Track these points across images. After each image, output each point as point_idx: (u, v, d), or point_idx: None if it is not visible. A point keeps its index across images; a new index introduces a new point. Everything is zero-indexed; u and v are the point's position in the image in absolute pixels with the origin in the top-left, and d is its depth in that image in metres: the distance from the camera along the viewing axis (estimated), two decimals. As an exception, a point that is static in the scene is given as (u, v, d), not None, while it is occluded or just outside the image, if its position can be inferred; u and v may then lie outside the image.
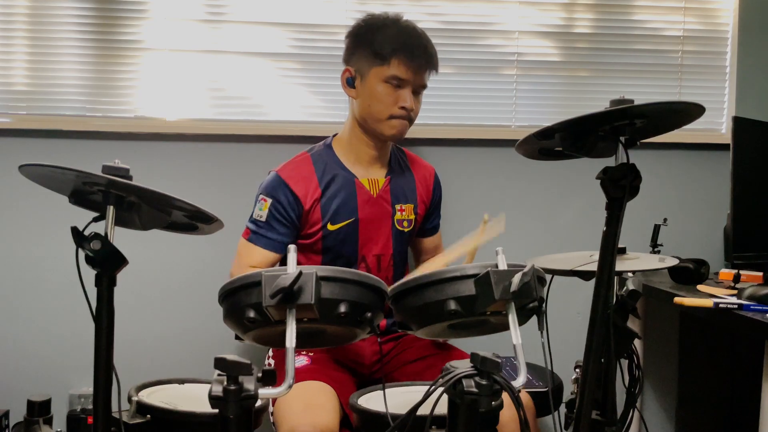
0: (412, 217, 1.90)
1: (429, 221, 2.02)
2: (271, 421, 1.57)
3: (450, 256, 1.70)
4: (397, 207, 1.87)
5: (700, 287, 1.92)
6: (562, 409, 1.65)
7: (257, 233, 1.78)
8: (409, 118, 1.80)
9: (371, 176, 1.86)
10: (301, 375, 1.58)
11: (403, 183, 1.91)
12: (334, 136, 1.92)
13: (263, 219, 1.77)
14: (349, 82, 1.82)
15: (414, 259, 2.12)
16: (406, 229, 1.89)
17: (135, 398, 1.35)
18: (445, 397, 1.03)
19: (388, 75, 1.76)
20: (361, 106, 1.80)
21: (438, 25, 2.31)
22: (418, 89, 1.81)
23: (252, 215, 1.80)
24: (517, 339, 1.09)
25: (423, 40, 1.81)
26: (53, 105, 2.22)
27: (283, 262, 1.75)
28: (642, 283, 2.03)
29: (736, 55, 2.40)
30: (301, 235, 1.82)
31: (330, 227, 1.80)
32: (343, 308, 1.09)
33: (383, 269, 1.85)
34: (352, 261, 1.83)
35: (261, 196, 1.80)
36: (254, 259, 1.77)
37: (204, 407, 1.11)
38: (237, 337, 1.20)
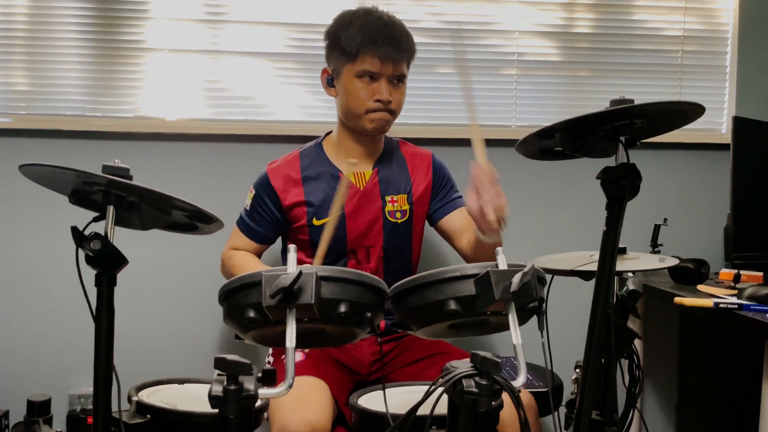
0: (406, 207, 1.87)
1: (440, 200, 1.93)
2: (266, 416, 1.57)
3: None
4: (388, 198, 1.86)
5: (700, 287, 1.93)
6: (562, 409, 1.65)
7: (243, 220, 1.90)
8: (389, 110, 1.78)
9: (357, 170, 1.86)
10: (295, 370, 1.58)
11: (395, 174, 1.89)
12: (328, 133, 1.94)
13: (248, 208, 1.89)
14: (329, 82, 1.85)
15: (455, 245, 1.92)
16: (399, 221, 1.87)
17: (135, 398, 1.35)
18: (445, 397, 1.03)
19: (358, 70, 1.76)
20: (340, 104, 1.83)
21: (438, 25, 2.31)
22: (394, 79, 1.79)
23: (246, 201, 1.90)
24: (517, 339, 1.09)
25: (389, 29, 1.77)
26: (53, 105, 2.22)
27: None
28: (642, 283, 2.04)
29: (736, 55, 2.40)
30: (288, 231, 1.88)
31: (315, 222, 1.82)
32: (343, 308, 1.08)
33: (373, 261, 1.84)
34: (341, 254, 1.83)
35: (251, 187, 1.89)
36: (238, 243, 1.91)
37: (204, 407, 1.11)
38: (237, 337, 1.20)
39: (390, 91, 1.77)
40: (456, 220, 1.90)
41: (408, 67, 1.84)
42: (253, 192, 1.87)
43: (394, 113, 1.81)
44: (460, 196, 1.94)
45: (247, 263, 1.84)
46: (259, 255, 1.92)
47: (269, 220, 1.86)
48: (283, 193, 1.83)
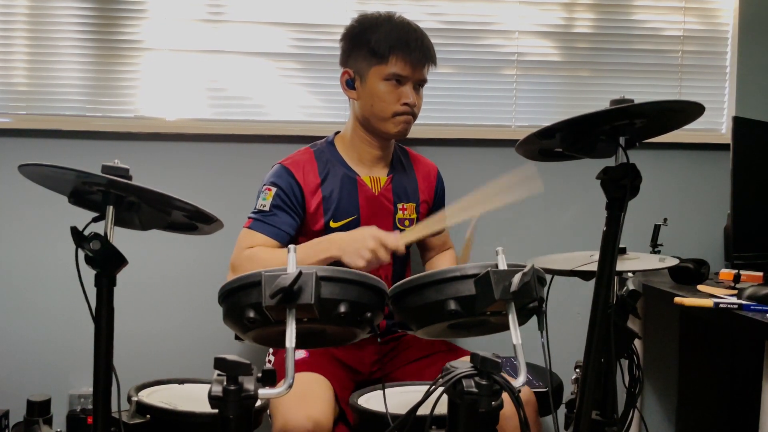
0: (414, 216, 1.90)
1: None
2: (268, 413, 1.57)
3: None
4: (399, 206, 1.87)
5: (700, 287, 1.92)
6: (562, 409, 1.65)
7: (260, 221, 1.75)
8: (413, 113, 1.80)
9: (373, 174, 1.86)
10: (297, 367, 1.57)
11: (406, 182, 1.91)
12: (337, 133, 1.93)
13: (267, 208, 1.75)
14: (349, 84, 1.82)
15: (420, 257, 2.11)
16: (407, 229, 1.88)
17: (135, 398, 1.35)
18: (445, 397, 1.03)
19: (387, 73, 1.76)
20: (363, 106, 1.80)
21: (438, 25, 2.31)
22: (418, 84, 1.82)
23: (255, 207, 1.78)
24: (517, 339, 1.09)
25: (418, 34, 1.80)
26: (53, 105, 2.22)
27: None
28: (642, 283, 2.03)
29: (736, 55, 2.40)
30: (304, 233, 1.81)
31: (332, 225, 1.80)
32: (343, 308, 1.09)
33: (383, 267, 1.84)
34: None
35: (265, 187, 1.79)
36: (255, 244, 1.73)
37: (204, 407, 1.11)
38: (237, 337, 1.20)
39: (414, 95, 1.79)
40: (437, 239, 2.04)
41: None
42: (273, 189, 1.77)
43: (415, 117, 1.83)
44: None
45: (279, 252, 1.70)
46: None
47: (294, 215, 1.76)
48: (306, 185, 1.79)
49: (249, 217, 1.78)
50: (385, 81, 1.76)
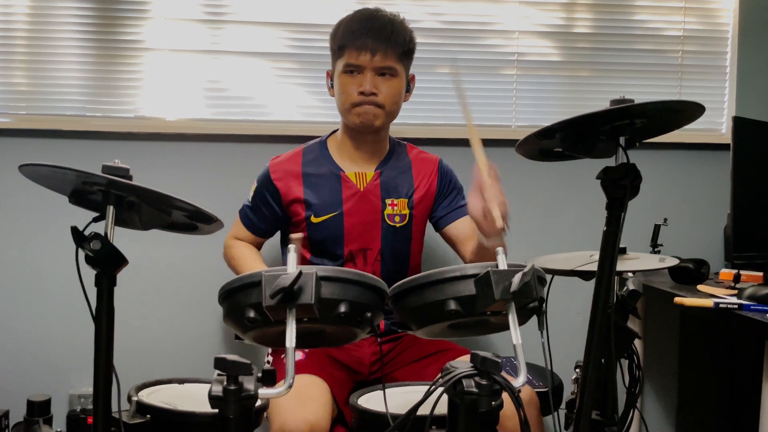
0: (406, 212, 1.87)
1: (446, 206, 1.92)
2: (265, 415, 1.57)
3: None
4: (388, 201, 1.85)
5: (700, 287, 1.92)
6: (562, 409, 1.65)
7: (245, 212, 1.93)
8: (375, 103, 1.76)
9: (359, 170, 1.86)
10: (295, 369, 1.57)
11: (397, 178, 1.88)
12: (334, 132, 1.94)
13: (250, 201, 1.92)
14: (331, 85, 1.87)
15: (458, 252, 1.93)
16: (398, 225, 1.86)
17: (135, 398, 1.35)
18: (445, 397, 1.03)
19: (343, 65, 1.78)
20: (336, 103, 1.84)
21: (438, 25, 2.31)
22: (382, 72, 1.77)
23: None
24: (517, 339, 1.09)
25: (371, 21, 1.77)
26: (53, 105, 2.22)
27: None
28: (642, 283, 2.04)
29: (736, 55, 2.40)
30: (290, 223, 1.88)
31: (314, 220, 1.82)
32: (343, 308, 1.08)
33: (369, 264, 1.84)
34: (338, 254, 1.82)
35: (254, 180, 1.91)
36: (239, 233, 1.95)
37: (204, 407, 1.11)
38: (237, 337, 1.20)
39: (377, 83, 1.76)
40: (461, 227, 1.89)
41: (402, 62, 1.80)
42: (255, 185, 1.89)
43: (382, 107, 1.77)
44: (464, 204, 1.91)
45: (246, 255, 1.90)
46: (259, 246, 1.97)
47: (269, 215, 1.89)
48: (284, 188, 1.84)
49: (244, 203, 1.94)
50: (344, 74, 1.78)
